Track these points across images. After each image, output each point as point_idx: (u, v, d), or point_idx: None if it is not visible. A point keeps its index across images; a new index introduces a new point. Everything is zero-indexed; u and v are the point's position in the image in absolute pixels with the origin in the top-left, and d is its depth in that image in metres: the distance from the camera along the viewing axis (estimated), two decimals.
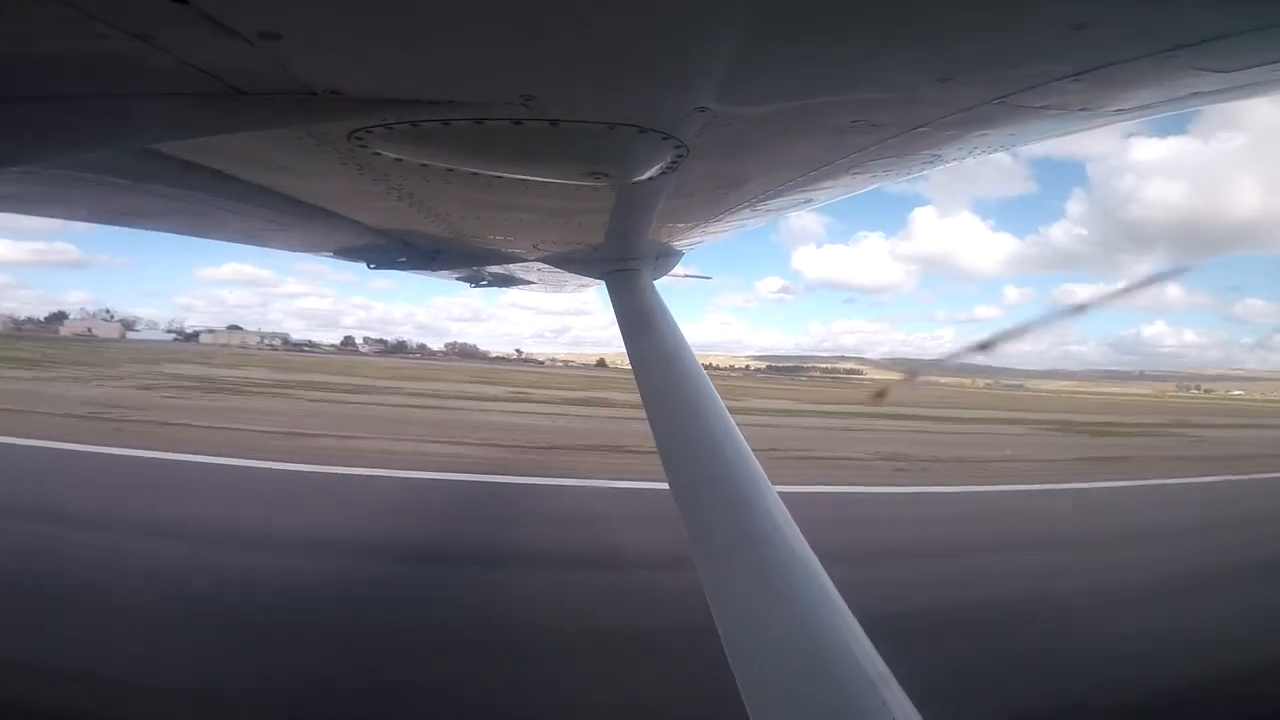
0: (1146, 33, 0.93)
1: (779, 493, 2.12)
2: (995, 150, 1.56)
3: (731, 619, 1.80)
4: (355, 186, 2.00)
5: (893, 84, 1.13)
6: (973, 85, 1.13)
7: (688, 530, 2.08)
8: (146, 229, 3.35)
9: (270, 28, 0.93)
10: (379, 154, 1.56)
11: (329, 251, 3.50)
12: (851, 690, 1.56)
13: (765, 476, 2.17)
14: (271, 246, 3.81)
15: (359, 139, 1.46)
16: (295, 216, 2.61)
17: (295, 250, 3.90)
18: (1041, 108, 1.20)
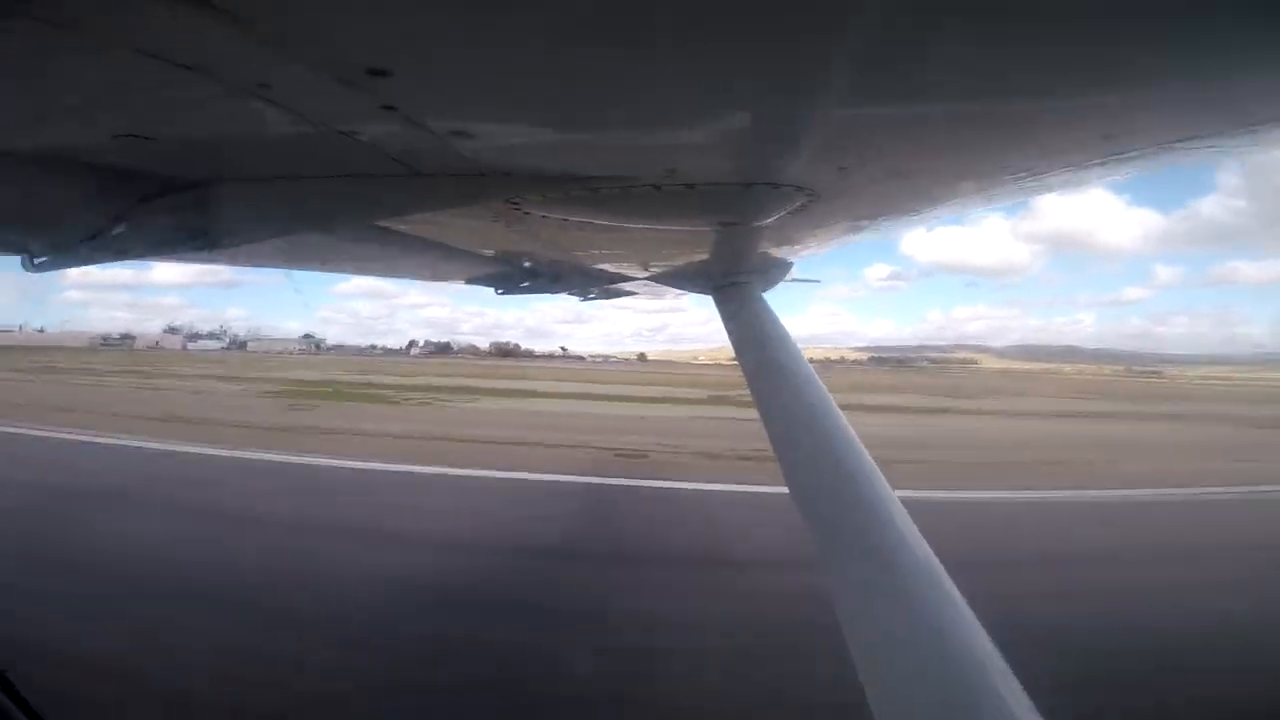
0: None
1: (900, 498, 2.16)
2: (1153, 172, 1.52)
3: (858, 626, 1.85)
4: (499, 234, 2.21)
5: (1050, 145, 1.15)
6: (1138, 138, 1.13)
7: (815, 540, 2.13)
8: (313, 270, 3.79)
9: (462, 128, 1.10)
10: (529, 213, 1.73)
11: (461, 280, 3.81)
12: (979, 698, 1.57)
13: (887, 484, 2.20)
14: (407, 277, 4.18)
15: (514, 203, 1.64)
16: (435, 254, 2.89)
17: (428, 279, 4.26)
18: (1212, 147, 1.17)
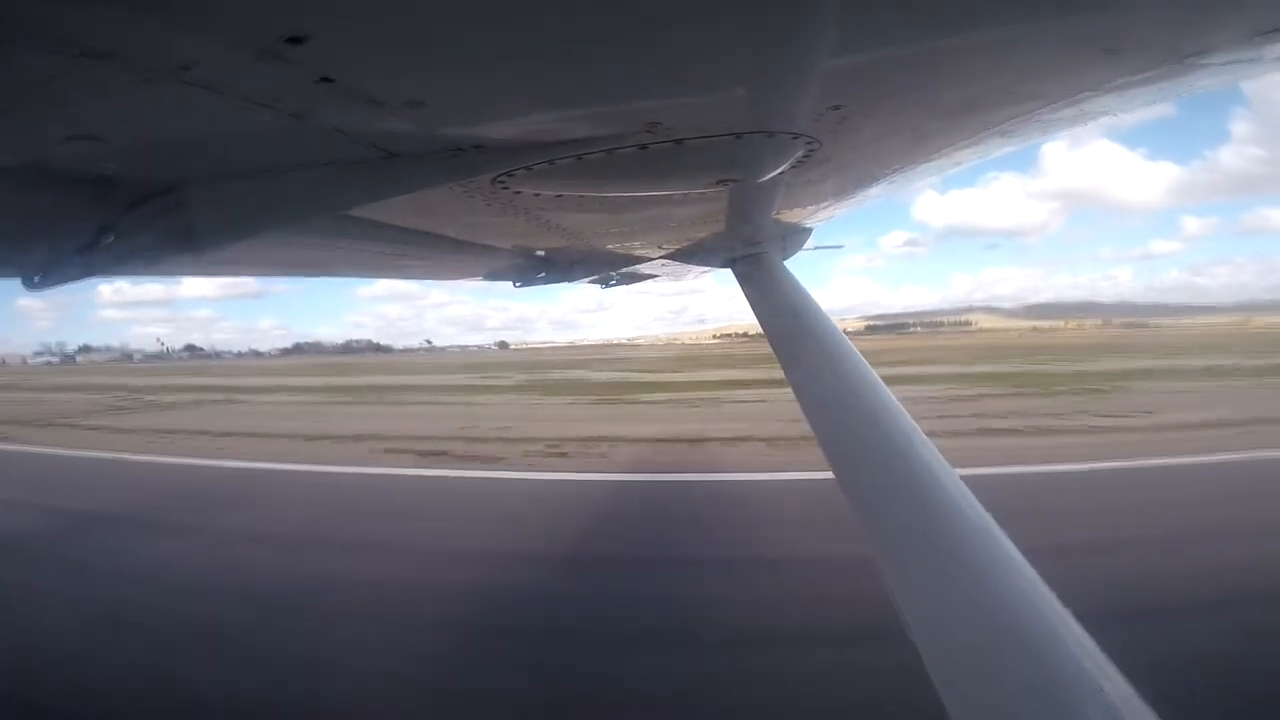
0: None
1: (961, 475, 1.98)
2: (1168, 100, 1.37)
3: (928, 622, 1.70)
4: (499, 220, 2.15)
5: (1052, 61, 1.03)
6: (1146, 53, 1.00)
7: (862, 522, 1.98)
8: (320, 275, 3.81)
9: (414, 97, 1.03)
10: (520, 192, 1.67)
11: (479, 276, 3.79)
12: (1063, 678, 1.45)
13: (941, 456, 2.04)
14: (427, 279, 4.19)
15: (502, 183, 1.57)
16: (446, 251, 2.85)
17: (447, 279, 4.25)
18: (1227, 63, 1.05)
